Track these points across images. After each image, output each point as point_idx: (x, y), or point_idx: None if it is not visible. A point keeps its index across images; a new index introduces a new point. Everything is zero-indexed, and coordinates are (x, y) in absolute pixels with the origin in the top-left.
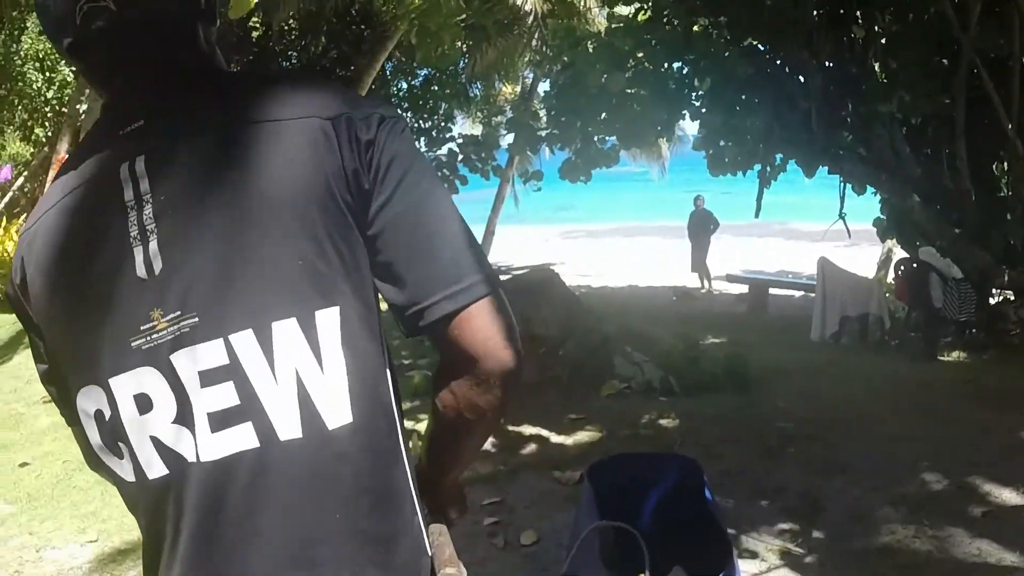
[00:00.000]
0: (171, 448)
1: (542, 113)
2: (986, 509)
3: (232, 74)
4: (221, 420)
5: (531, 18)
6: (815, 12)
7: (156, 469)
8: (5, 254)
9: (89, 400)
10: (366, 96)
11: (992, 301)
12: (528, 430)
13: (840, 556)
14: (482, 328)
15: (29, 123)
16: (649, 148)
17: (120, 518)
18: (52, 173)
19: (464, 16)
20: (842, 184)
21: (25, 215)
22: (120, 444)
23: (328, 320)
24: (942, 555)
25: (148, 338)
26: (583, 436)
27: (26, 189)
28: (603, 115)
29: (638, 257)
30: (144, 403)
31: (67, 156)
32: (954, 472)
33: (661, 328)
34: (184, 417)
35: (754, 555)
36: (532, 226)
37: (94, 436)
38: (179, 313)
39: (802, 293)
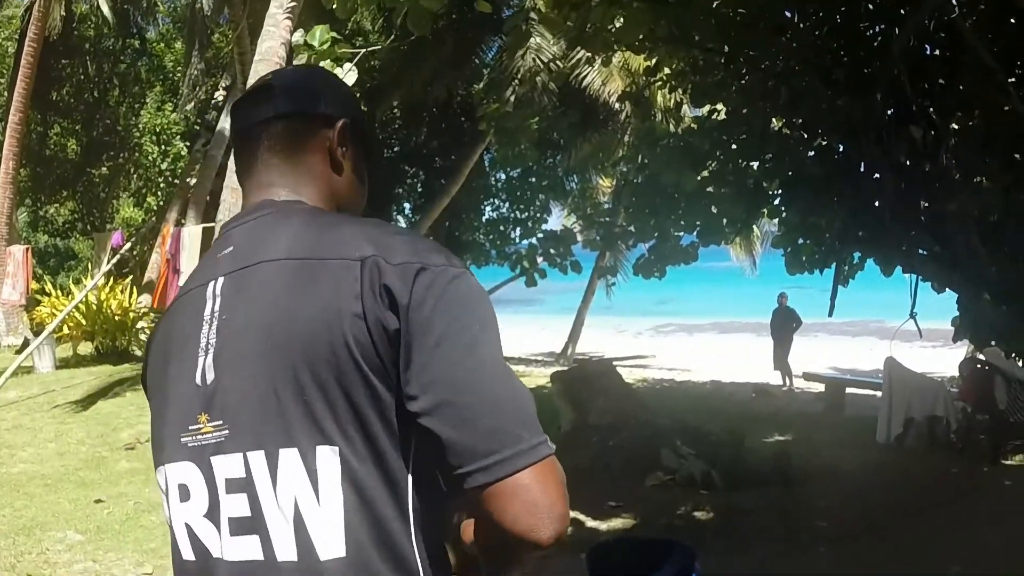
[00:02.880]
0: (200, 539)
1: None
2: None
3: (314, 210)
4: (237, 527)
5: (624, 115)
6: (885, 112)
7: (187, 553)
8: (109, 311)
9: (159, 478)
10: (432, 234)
11: None
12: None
13: None
14: (518, 503)
15: (143, 191)
16: (737, 243)
17: None
18: (163, 241)
19: (538, 119)
20: (915, 282)
21: (131, 276)
22: (171, 522)
23: (328, 457)
24: None
25: (194, 437)
26: (618, 522)
27: (135, 252)
28: (678, 212)
29: (727, 353)
30: (184, 493)
31: (175, 225)
32: None
33: (735, 425)
34: (213, 514)
35: None
36: (626, 318)
37: (163, 509)
38: (220, 422)
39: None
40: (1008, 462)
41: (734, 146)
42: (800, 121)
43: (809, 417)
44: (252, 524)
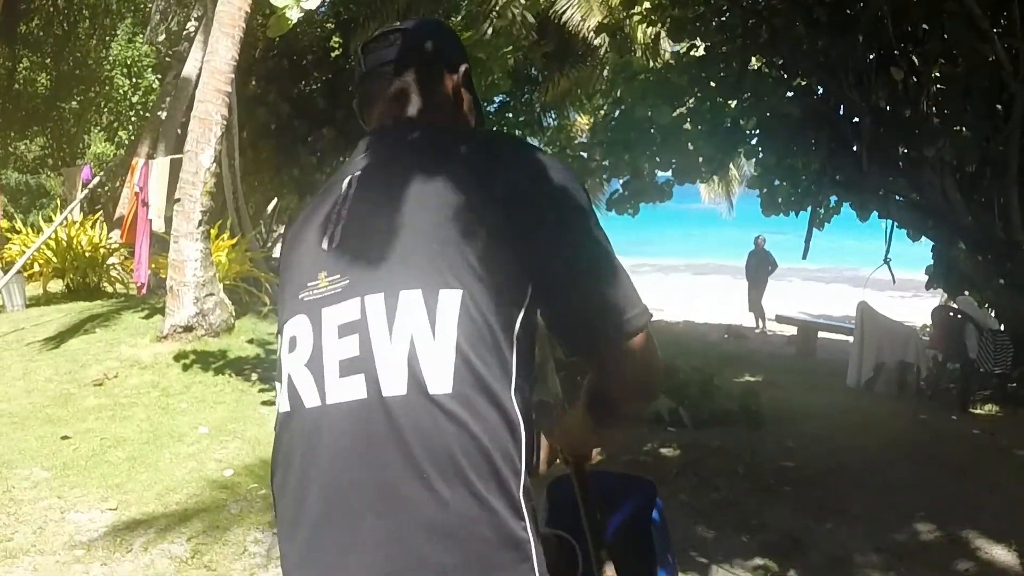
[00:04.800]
0: (297, 389)
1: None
2: (971, 565)
3: (438, 127)
4: (345, 368)
5: (603, 50)
6: (867, 55)
7: (284, 406)
8: (79, 247)
9: (279, 340)
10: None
11: None
12: None
13: None
14: (647, 353)
15: (115, 125)
16: (715, 184)
17: (141, 491)
18: (131, 174)
19: (511, 48)
20: (890, 229)
21: (102, 212)
22: (279, 380)
23: (450, 300)
24: None
25: (311, 292)
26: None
27: (106, 187)
28: (653, 148)
29: (702, 294)
30: (292, 344)
31: (146, 158)
32: (950, 525)
33: (705, 365)
34: (314, 362)
35: None
36: None
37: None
38: (338, 276)
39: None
40: (976, 411)
41: (712, 83)
42: (779, 61)
43: (780, 359)
44: (359, 364)
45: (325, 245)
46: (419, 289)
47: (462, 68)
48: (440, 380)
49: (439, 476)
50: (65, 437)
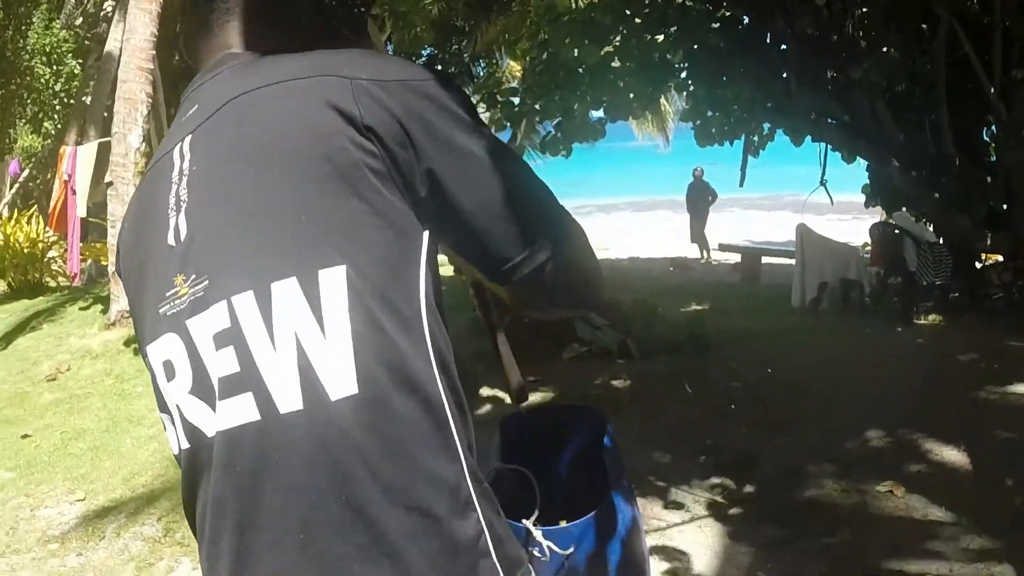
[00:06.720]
0: (190, 422)
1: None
2: (923, 466)
3: (277, 57)
4: (227, 388)
5: None
6: None
7: (182, 442)
8: (17, 244)
9: (146, 364)
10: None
11: (978, 266)
12: (485, 392)
13: (766, 509)
14: (580, 270)
15: (40, 116)
16: (649, 121)
17: (106, 479)
18: (59, 162)
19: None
20: (824, 151)
21: (36, 205)
22: (166, 411)
23: (333, 280)
24: (868, 509)
25: (172, 304)
26: (536, 396)
27: (38, 180)
28: (582, 88)
29: (645, 230)
30: (170, 370)
31: (74, 145)
32: (899, 431)
33: (651, 297)
34: (200, 387)
35: (680, 506)
36: None
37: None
38: (195, 277)
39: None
40: (920, 322)
41: (637, 20)
42: None
43: (725, 287)
44: (244, 381)
45: (172, 240)
46: (293, 276)
47: None
48: (342, 382)
49: (362, 495)
50: (25, 436)
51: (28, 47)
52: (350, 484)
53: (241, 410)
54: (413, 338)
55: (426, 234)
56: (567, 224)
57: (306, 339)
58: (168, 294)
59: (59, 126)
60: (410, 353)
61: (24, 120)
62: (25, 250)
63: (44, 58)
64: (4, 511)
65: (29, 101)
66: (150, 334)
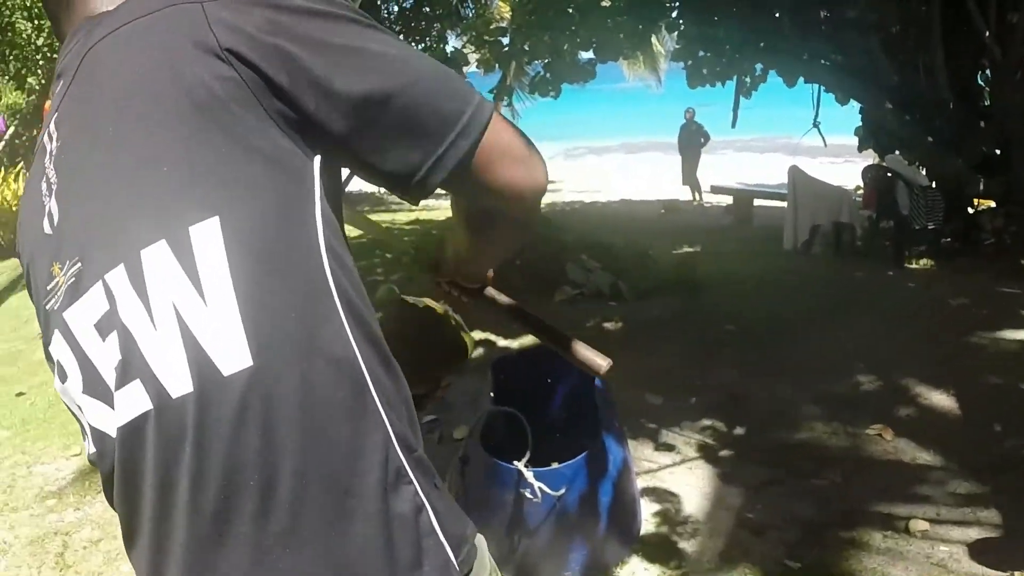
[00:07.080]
0: (92, 424)
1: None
2: (912, 410)
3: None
4: (119, 379)
5: None
6: None
7: (90, 447)
8: (4, 203)
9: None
10: None
11: (971, 211)
12: (478, 336)
13: (755, 449)
14: (501, 164)
15: (23, 72)
16: (640, 62)
17: None
18: (45, 118)
19: None
20: (817, 92)
21: (23, 163)
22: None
23: (206, 235)
24: (856, 451)
25: (54, 297)
26: (528, 340)
27: (24, 138)
28: (572, 27)
29: (637, 172)
30: (62, 372)
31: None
32: (888, 374)
33: (643, 239)
34: (91, 385)
35: (671, 448)
36: (535, 143)
37: None
38: (68, 262)
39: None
40: (912, 266)
41: None
42: None
43: (717, 229)
44: (131, 368)
45: (47, 227)
46: (162, 239)
47: None
48: (233, 355)
49: (273, 477)
50: (20, 394)
51: (8, 2)
52: (258, 467)
53: (133, 401)
54: (313, 290)
55: (317, 163)
56: (481, 107)
57: (186, 310)
58: (49, 288)
59: (43, 82)
60: (311, 309)
61: (7, 77)
62: (13, 207)
63: (25, 12)
64: (1, 469)
65: (12, 58)
66: (46, 336)
